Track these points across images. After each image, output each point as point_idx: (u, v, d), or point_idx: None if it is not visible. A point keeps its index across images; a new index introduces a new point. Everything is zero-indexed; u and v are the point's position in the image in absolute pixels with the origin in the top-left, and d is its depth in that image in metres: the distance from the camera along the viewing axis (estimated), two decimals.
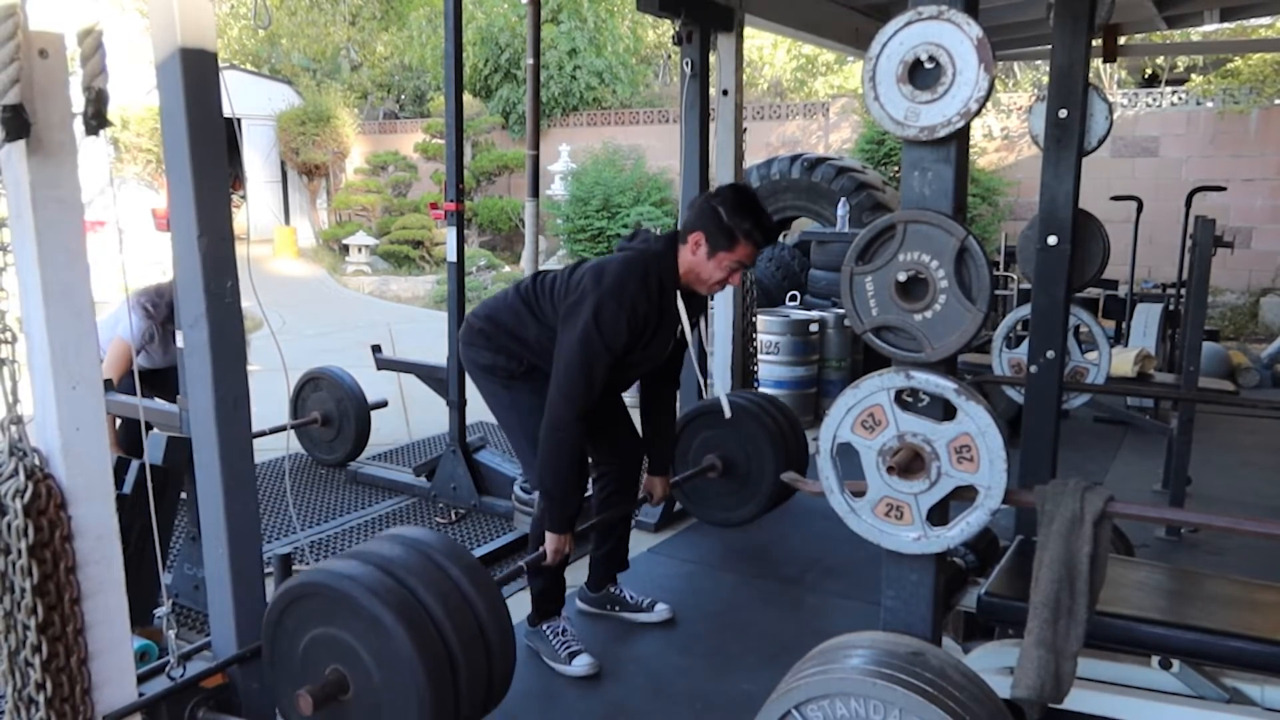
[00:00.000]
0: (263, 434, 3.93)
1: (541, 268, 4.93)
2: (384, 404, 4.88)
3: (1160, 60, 12.13)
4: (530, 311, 2.71)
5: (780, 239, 8.53)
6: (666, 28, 3.96)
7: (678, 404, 3.13)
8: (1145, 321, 5.99)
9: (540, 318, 2.67)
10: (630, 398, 2.96)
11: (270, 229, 14.80)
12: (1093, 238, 3.15)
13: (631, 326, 2.50)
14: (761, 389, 4.60)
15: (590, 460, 3.00)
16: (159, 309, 3.74)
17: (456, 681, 1.77)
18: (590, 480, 2.97)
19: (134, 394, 2.80)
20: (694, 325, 2.77)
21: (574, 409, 2.49)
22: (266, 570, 2.19)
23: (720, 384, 4.21)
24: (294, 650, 1.87)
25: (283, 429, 4.51)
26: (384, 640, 1.72)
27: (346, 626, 1.78)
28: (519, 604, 3.01)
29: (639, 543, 3.76)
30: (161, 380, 3.84)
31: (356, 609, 1.74)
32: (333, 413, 4.71)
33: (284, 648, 1.89)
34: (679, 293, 2.62)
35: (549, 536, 2.58)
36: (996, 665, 2.18)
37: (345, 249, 13.86)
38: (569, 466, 2.54)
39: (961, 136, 1.58)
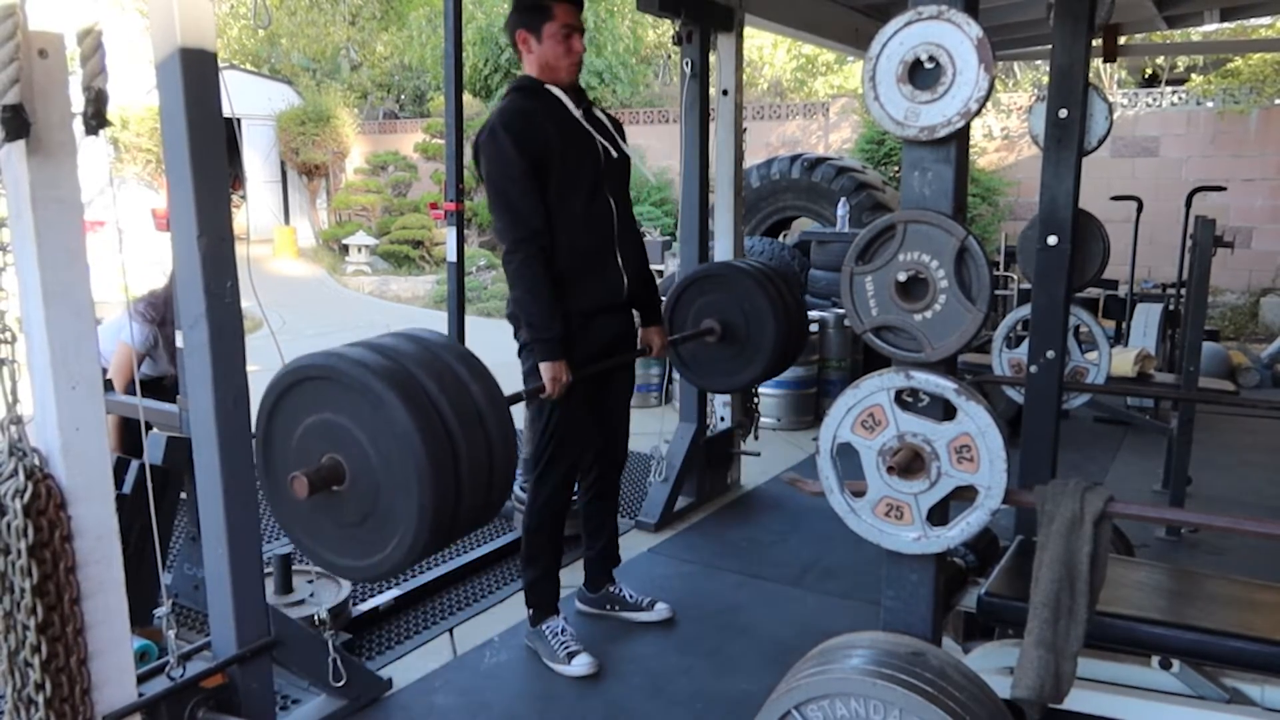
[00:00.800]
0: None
1: None
2: None
3: (1160, 60, 12.12)
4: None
5: (780, 239, 8.53)
6: (666, 28, 3.96)
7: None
8: (1145, 321, 5.99)
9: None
10: (638, 399, 2.95)
11: (270, 229, 14.81)
12: (1093, 238, 3.15)
13: (519, 131, 2.52)
14: (761, 388, 4.59)
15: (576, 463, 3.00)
16: (158, 310, 3.74)
17: (457, 465, 1.68)
18: (575, 483, 2.97)
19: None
20: (616, 144, 2.76)
21: (510, 234, 2.53)
22: (266, 570, 2.19)
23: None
24: (288, 442, 1.77)
25: None
26: (382, 418, 1.63)
27: (343, 409, 1.68)
28: (515, 607, 3.02)
29: (639, 543, 3.77)
30: (165, 390, 3.85)
31: (353, 388, 1.65)
32: None
33: (278, 441, 1.79)
34: (563, 96, 2.65)
35: (543, 367, 2.56)
36: (996, 665, 2.18)
37: (345, 249, 13.86)
38: (534, 290, 2.54)
39: (961, 136, 1.57)
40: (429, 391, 1.67)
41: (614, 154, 2.74)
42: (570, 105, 2.66)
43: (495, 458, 1.76)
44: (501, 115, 2.56)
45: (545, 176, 2.56)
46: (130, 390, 3.62)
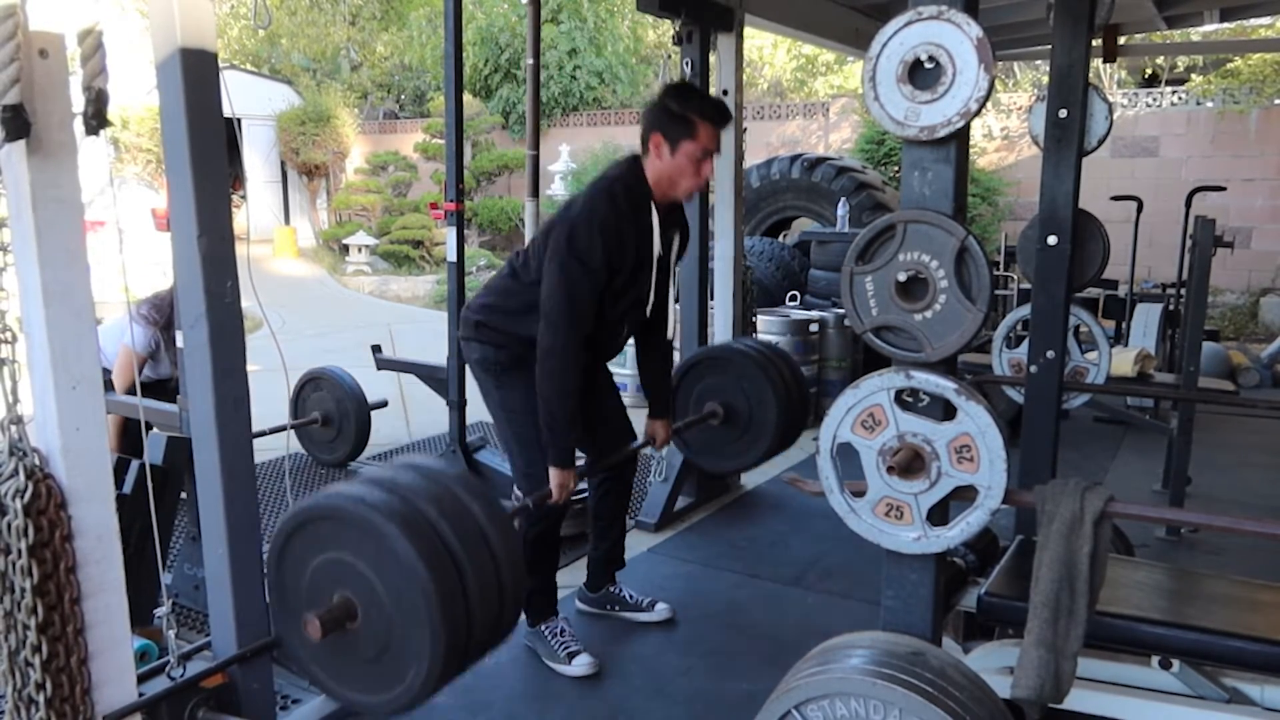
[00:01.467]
0: (263, 434, 3.93)
1: None
2: (384, 404, 4.88)
3: (1160, 60, 12.13)
4: (516, 278, 2.68)
5: (780, 239, 8.53)
6: (666, 28, 3.96)
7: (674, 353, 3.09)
8: (1145, 321, 6.00)
9: (526, 279, 2.63)
10: (631, 399, 2.96)
11: (270, 229, 14.80)
12: (1093, 238, 3.15)
13: (607, 244, 2.46)
14: None
15: (585, 461, 3.00)
16: (161, 313, 3.74)
17: (470, 620, 1.69)
18: (585, 481, 2.97)
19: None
20: (676, 251, 2.75)
21: (561, 336, 2.47)
22: (267, 570, 2.19)
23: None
24: (300, 583, 1.77)
25: (283, 429, 4.51)
26: (401, 571, 1.63)
27: (361, 553, 1.68)
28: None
29: (639, 543, 3.77)
30: (168, 393, 3.85)
31: (376, 537, 1.65)
32: (333, 413, 4.71)
33: (291, 573, 1.80)
34: (655, 211, 2.59)
35: (552, 472, 2.54)
36: (996, 665, 2.18)
37: (345, 249, 13.86)
38: (563, 395, 2.50)
39: (961, 136, 1.57)
40: (429, 519, 1.68)
41: (661, 278, 2.71)
42: (657, 224, 2.60)
43: (503, 577, 1.77)
44: (605, 219, 2.47)
45: (602, 288, 2.53)
46: (131, 393, 3.62)
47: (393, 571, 1.64)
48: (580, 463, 2.73)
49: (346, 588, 1.70)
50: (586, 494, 3.15)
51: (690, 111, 2.48)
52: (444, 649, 1.63)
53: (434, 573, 1.61)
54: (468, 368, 2.88)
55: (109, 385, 3.54)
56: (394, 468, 1.81)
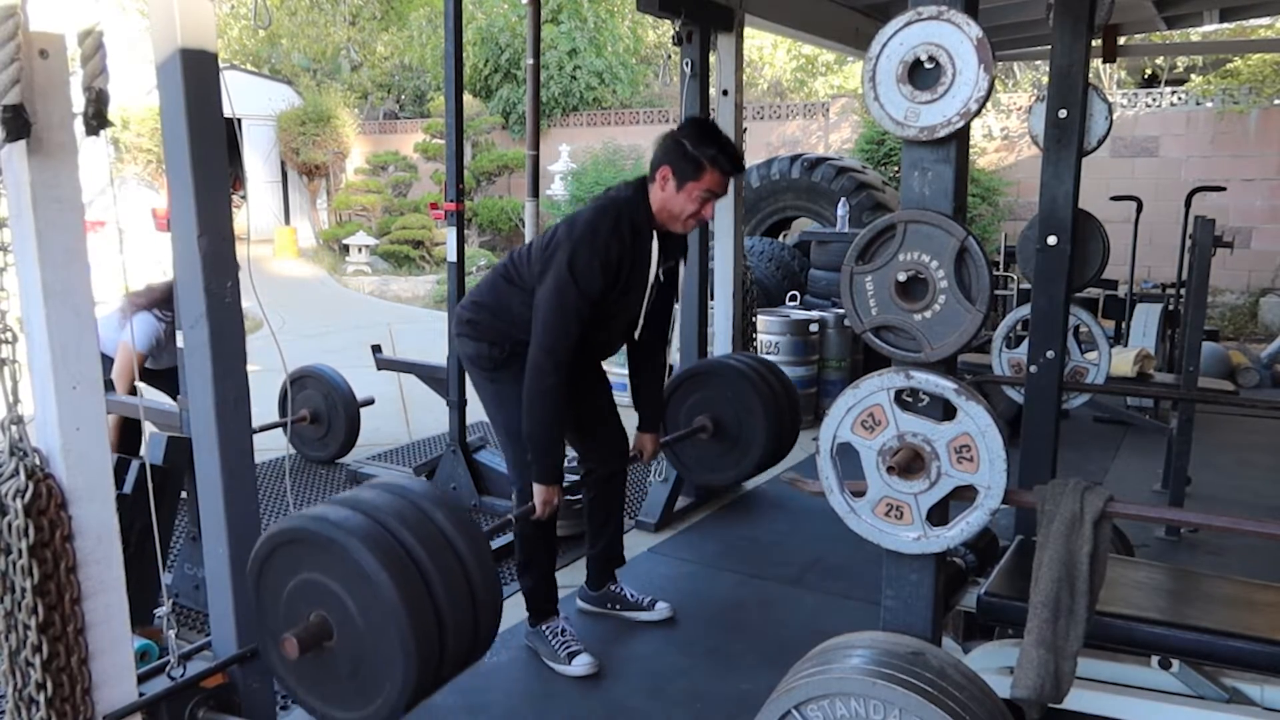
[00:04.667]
0: (254, 432, 3.93)
1: None
2: (371, 401, 4.87)
3: (1160, 60, 12.13)
4: (509, 282, 2.70)
5: (780, 239, 8.53)
6: (666, 28, 3.96)
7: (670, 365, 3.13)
8: (1145, 321, 6.00)
9: (520, 285, 2.65)
10: (627, 398, 2.96)
11: (270, 229, 14.80)
12: (1092, 238, 3.15)
13: (606, 270, 2.50)
14: None
15: (578, 461, 3.01)
16: (168, 308, 3.71)
17: (442, 632, 1.73)
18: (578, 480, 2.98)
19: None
20: (672, 270, 2.76)
21: (553, 356, 2.49)
22: None
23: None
24: (278, 597, 1.81)
25: (274, 426, 4.50)
26: (368, 587, 1.67)
27: (331, 572, 1.72)
28: (516, 607, 3.01)
29: (639, 543, 3.77)
30: (164, 379, 3.84)
31: (341, 555, 1.68)
32: (321, 410, 4.68)
33: (269, 594, 1.83)
34: (654, 235, 2.62)
35: (536, 488, 2.57)
36: (996, 665, 2.18)
37: (345, 249, 13.86)
38: (551, 414, 2.53)
39: (961, 136, 1.58)
40: (419, 564, 1.71)
41: (656, 300, 2.74)
42: (655, 250, 2.63)
43: (474, 583, 1.80)
44: (608, 244, 2.50)
45: (594, 306, 2.55)
46: (132, 393, 3.61)
47: (360, 586, 1.68)
48: (571, 472, 2.74)
49: (321, 607, 1.74)
50: (581, 494, 3.15)
51: (703, 156, 2.50)
52: (416, 662, 1.67)
53: (399, 584, 1.65)
54: (463, 363, 2.89)
55: (108, 384, 3.53)
56: (363, 488, 1.86)
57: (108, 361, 3.61)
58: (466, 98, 12.46)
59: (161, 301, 3.65)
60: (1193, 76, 11.62)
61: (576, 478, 3.04)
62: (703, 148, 2.50)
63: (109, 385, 3.53)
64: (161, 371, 3.85)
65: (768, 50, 15.91)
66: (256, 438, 2.15)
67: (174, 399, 2.43)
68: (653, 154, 2.61)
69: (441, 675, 1.78)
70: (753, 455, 3.33)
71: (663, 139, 2.58)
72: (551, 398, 2.52)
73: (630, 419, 3.03)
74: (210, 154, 1.91)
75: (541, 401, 2.52)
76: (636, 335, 2.81)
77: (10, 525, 1.63)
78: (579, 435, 2.92)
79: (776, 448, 3.36)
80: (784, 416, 3.33)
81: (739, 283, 4.28)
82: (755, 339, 4.50)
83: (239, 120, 13.18)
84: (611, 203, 2.59)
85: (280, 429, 4.62)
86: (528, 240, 2.95)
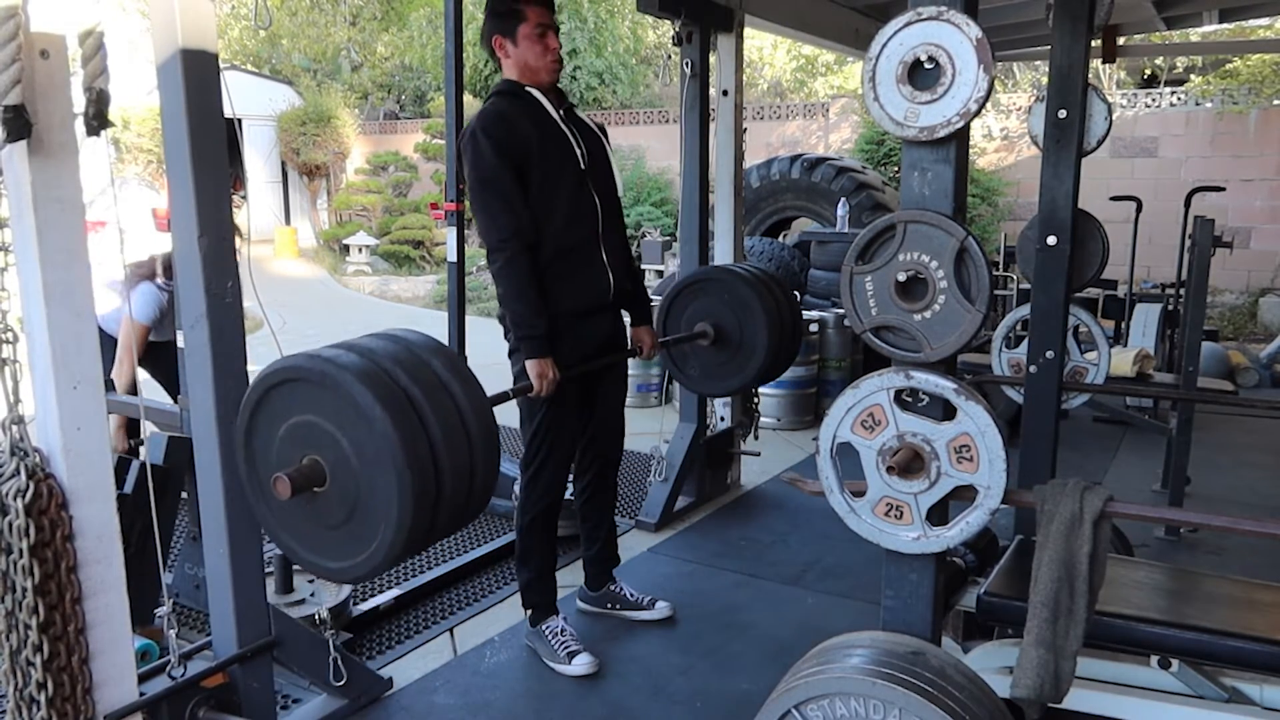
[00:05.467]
0: None
1: None
2: None
3: (1159, 61, 12.13)
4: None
5: (780, 239, 8.53)
6: (666, 28, 3.96)
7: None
8: (1144, 321, 6.00)
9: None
10: (631, 399, 2.96)
11: (271, 229, 14.81)
12: (1092, 238, 3.15)
13: (503, 125, 2.56)
14: (761, 388, 4.59)
15: (579, 452, 2.99)
16: (171, 280, 3.60)
17: (439, 473, 1.69)
18: (570, 481, 2.98)
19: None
20: (601, 150, 2.78)
21: (498, 228, 2.54)
22: (267, 570, 2.19)
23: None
24: (270, 443, 1.77)
25: None
26: (364, 424, 1.63)
27: (325, 411, 1.68)
28: (516, 607, 3.02)
29: (639, 542, 3.77)
30: (166, 353, 3.68)
31: (336, 391, 1.65)
32: None
33: (261, 441, 1.79)
34: (542, 96, 2.67)
35: (529, 364, 2.55)
36: (996, 665, 2.19)
37: (346, 249, 13.87)
38: (520, 285, 2.55)
39: (961, 137, 1.58)
40: (405, 389, 1.67)
41: (593, 157, 2.75)
42: (550, 107, 2.68)
43: (476, 455, 1.76)
44: (482, 118, 2.58)
45: (526, 177, 2.58)
46: (138, 370, 3.46)
47: (355, 423, 1.63)
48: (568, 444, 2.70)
49: (314, 450, 1.70)
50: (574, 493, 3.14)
51: (513, 1, 2.62)
52: (412, 496, 1.62)
53: (394, 417, 1.61)
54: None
55: (108, 384, 3.49)
56: (374, 336, 1.83)
57: (109, 341, 3.54)
58: (467, 98, 12.45)
59: (163, 270, 3.57)
60: (1192, 77, 11.62)
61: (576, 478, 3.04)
62: None
63: (113, 363, 3.47)
64: (164, 345, 3.73)
65: (768, 50, 15.91)
66: None
67: (175, 374, 2.39)
68: (481, 45, 2.73)
69: (436, 523, 1.73)
70: (755, 362, 3.22)
71: (481, 27, 2.73)
72: (514, 270, 2.55)
73: (632, 420, 3.03)
74: (211, 154, 1.91)
75: (504, 275, 2.56)
76: (599, 220, 2.75)
77: (11, 525, 1.63)
78: (589, 420, 2.90)
79: (778, 356, 3.26)
80: (786, 324, 3.25)
81: None
82: None
83: (239, 120, 13.16)
84: (485, 100, 2.71)
85: None
86: None
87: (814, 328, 5.71)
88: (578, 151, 2.70)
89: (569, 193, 2.66)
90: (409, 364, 1.73)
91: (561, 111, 2.70)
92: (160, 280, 3.62)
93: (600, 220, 2.74)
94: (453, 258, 4.15)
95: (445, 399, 1.73)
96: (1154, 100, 10.76)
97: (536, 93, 2.67)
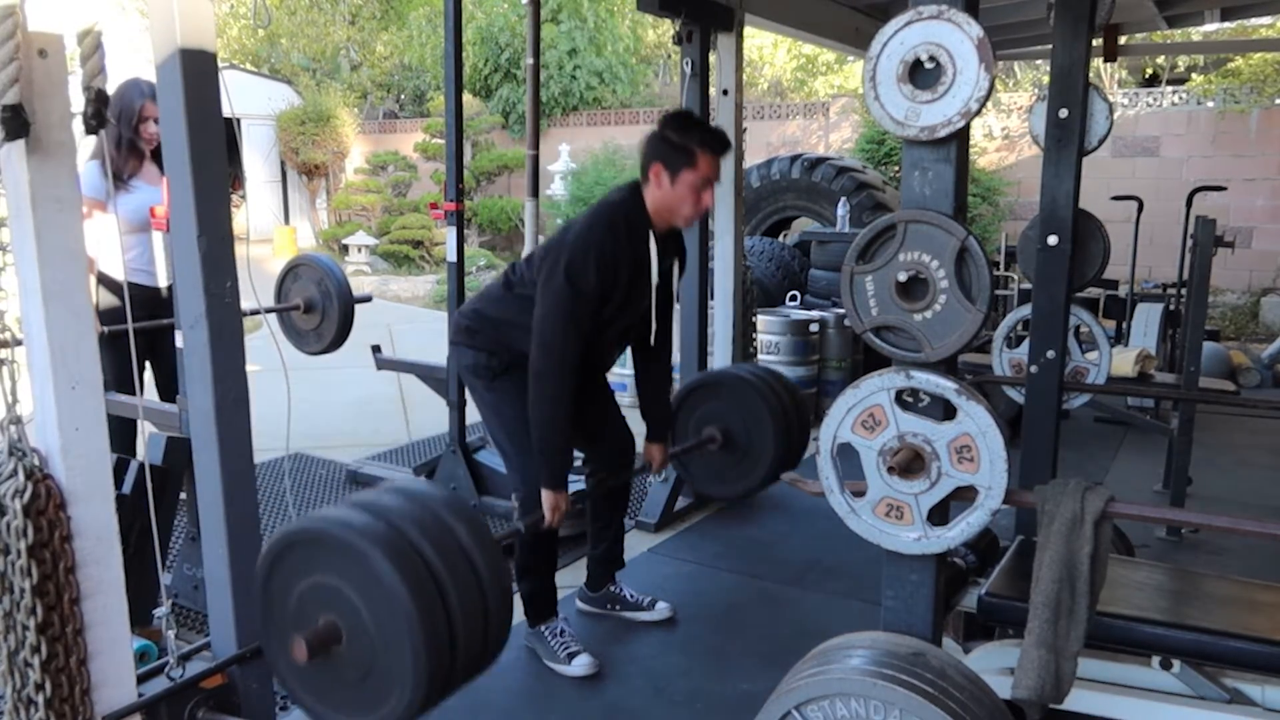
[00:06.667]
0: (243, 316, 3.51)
1: None
2: (368, 299, 4.64)
3: (1160, 60, 12.13)
4: (511, 290, 2.70)
5: (780, 239, 8.53)
6: (666, 28, 3.97)
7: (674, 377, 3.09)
8: (1145, 321, 5.99)
9: (521, 294, 2.65)
10: (630, 398, 2.96)
11: (270, 229, 14.80)
12: (1093, 238, 3.15)
13: (603, 272, 2.49)
14: None
15: (584, 463, 3.00)
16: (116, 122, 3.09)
17: (453, 648, 1.71)
18: (583, 482, 2.97)
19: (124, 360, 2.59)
20: (669, 270, 2.76)
21: (553, 358, 2.48)
22: None
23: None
24: (288, 596, 1.78)
25: (263, 312, 4.03)
26: (384, 597, 1.65)
27: (347, 577, 1.70)
28: (515, 606, 3.01)
29: (639, 543, 3.77)
30: (166, 304, 3.34)
31: (359, 561, 1.66)
32: (315, 298, 4.34)
33: (278, 593, 1.81)
34: (653, 236, 2.61)
35: (544, 494, 2.55)
36: (997, 665, 2.18)
37: (345, 249, 13.86)
38: (555, 418, 2.51)
39: (962, 136, 1.57)
40: (412, 541, 1.68)
41: (662, 278, 2.72)
42: (655, 252, 2.62)
43: (489, 600, 1.77)
44: (602, 246, 2.50)
45: (598, 309, 2.55)
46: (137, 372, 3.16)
47: (376, 594, 1.65)
48: (575, 471, 2.72)
49: (332, 611, 1.72)
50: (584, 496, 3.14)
51: (690, 142, 2.50)
52: (426, 673, 1.65)
53: (416, 596, 1.63)
54: (460, 374, 2.87)
55: (107, 385, 3.37)
56: (379, 491, 1.83)
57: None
58: (466, 97, 12.47)
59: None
60: (1194, 76, 11.61)
61: (579, 479, 3.03)
62: (688, 135, 2.51)
63: (113, 364, 3.21)
64: (164, 345, 3.27)
65: (768, 50, 15.90)
66: (255, 426, 2.11)
67: (175, 374, 2.32)
68: (640, 156, 2.60)
69: (448, 689, 1.76)
70: (762, 467, 3.29)
71: (647, 138, 2.59)
72: (556, 403, 2.50)
73: (634, 420, 3.03)
74: (210, 154, 1.91)
75: (543, 404, 2.50)
76: (642, 341, 2.80)
77: (9, 525, 1.63)
78: (585, 440, 2.91)
79: (785, 459, 3.32)
80: (793, 428, 3.28)
81: (739, 283, 4.28)
82: (755, 339, 4.49)
83: (238, 120, 13.19)
84: (606, 207, 2.59)
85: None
86: (527, 240, 2.96)
87: (814, 328, 5.71)
88: (651, 303, 2.70)
89: (616, 335, 2.71)
90: (433, 532, 1.73)
91: (659, 247, 2.64)
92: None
93: (631, 350, 2.86)
94: (452, 258, 4.15)
95: (467, 571, 1.74)
96: (1155, 99, 10.75)
97: (654, 238, 2.61)
